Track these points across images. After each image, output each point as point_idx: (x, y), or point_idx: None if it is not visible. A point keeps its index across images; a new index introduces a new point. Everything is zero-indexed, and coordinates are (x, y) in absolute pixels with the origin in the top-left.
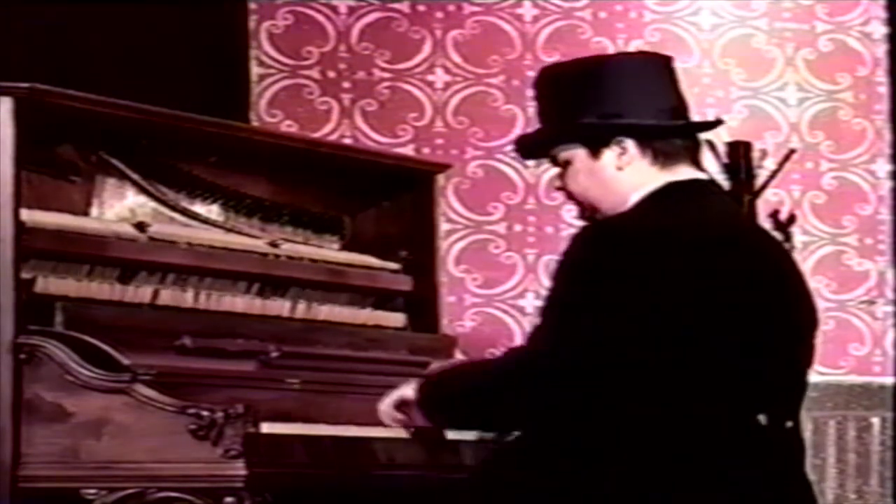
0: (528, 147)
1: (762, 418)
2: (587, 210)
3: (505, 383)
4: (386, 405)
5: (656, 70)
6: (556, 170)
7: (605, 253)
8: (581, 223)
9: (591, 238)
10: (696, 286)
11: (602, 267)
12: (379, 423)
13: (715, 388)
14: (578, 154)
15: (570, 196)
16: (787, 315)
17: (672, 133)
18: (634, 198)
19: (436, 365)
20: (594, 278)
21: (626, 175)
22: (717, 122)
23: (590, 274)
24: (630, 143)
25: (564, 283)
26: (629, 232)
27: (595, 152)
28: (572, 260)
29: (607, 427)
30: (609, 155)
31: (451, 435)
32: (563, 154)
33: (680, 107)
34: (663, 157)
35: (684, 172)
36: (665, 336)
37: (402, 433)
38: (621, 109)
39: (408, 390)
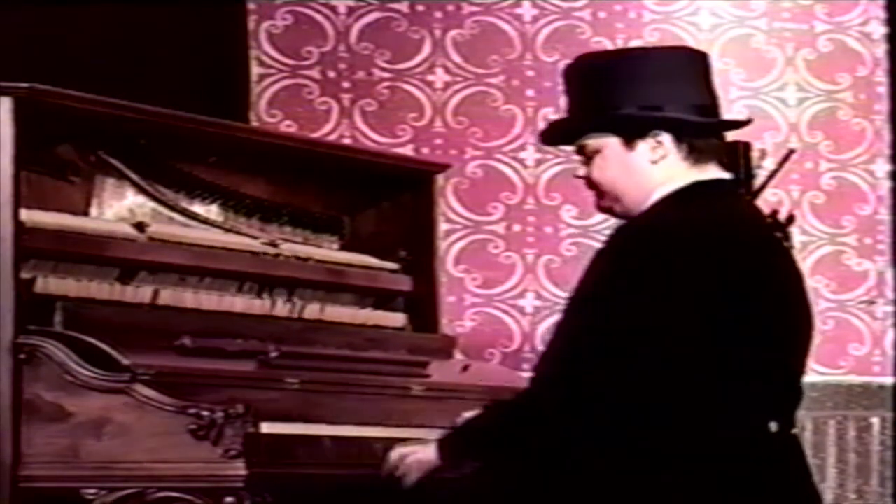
0: (559, 133)
1: (773, 426)
2: (608, 200)
3: (534, 422)
4: (414, 476)
5: (695, 66)
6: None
7: (632, 259)
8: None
9: (623, 242)
10: (716, 291)
11: (624, 271)
12: (379, 423)
13: (732, 395)
14: (611, 143)
15: (592, 185)
16: (797, 323)
17: (707, 131)
18: (659, 193)
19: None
20: (616, 283)
21: (657, 169)
22: (748, 121)
23: (618, 279)
24: (666, 138)
25: (594, 287)
26: (655, 236)
27: (630, 143)
28: (603, 264)
29: (623, 430)
30: (643, 147)
31: None
32: (594, 143)
33: (713, 104)
34: (696, 154)
35: (711, 172)
36: (686, 339)
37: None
38: (661, 103)
39: (429, 453)
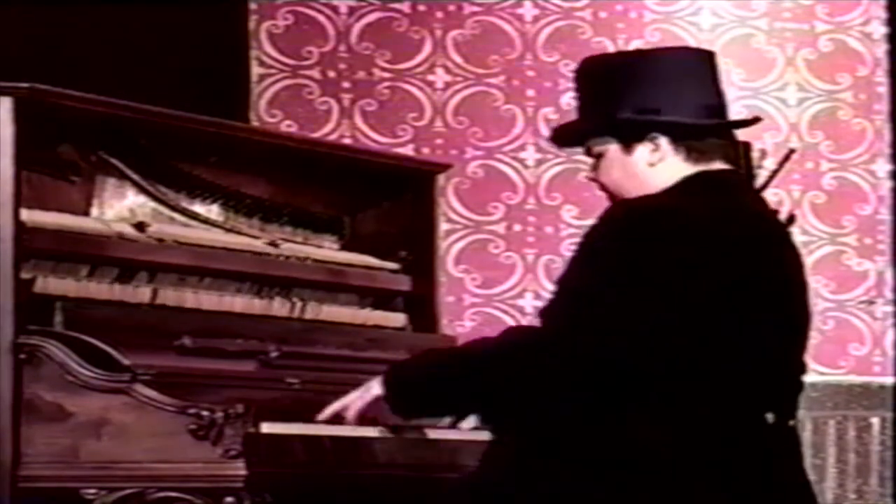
0: (564, 136)
1: (770, 417)
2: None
3: (513, 364)
4: (355, 408)
5: (698, 66)
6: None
7: (627, 239)
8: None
9: (616, 222)
10: (718, 278)
11: (623, 253)
12: (379, 423)
13: (727, 384)
14: (611, 147)
15: (602, 187)
16: (797, 312)
17: (707, 132)
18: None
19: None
20: (614, 264)
21: (658, 171)
22: (755, 120)
23: (611, 257)
24: (663, 141)
25: (584, 265)
26: (656, 215)
27: (627, 147)
28: (596, 240)
29: (615, 419)
30: (641, 150)
31: (433, 434)
32: (597, 146)
33: (718, 104)
34: (697, 154)
35: (717, 166)
36: (682, 327)
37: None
38: (659, 106)
39: (375, 388)
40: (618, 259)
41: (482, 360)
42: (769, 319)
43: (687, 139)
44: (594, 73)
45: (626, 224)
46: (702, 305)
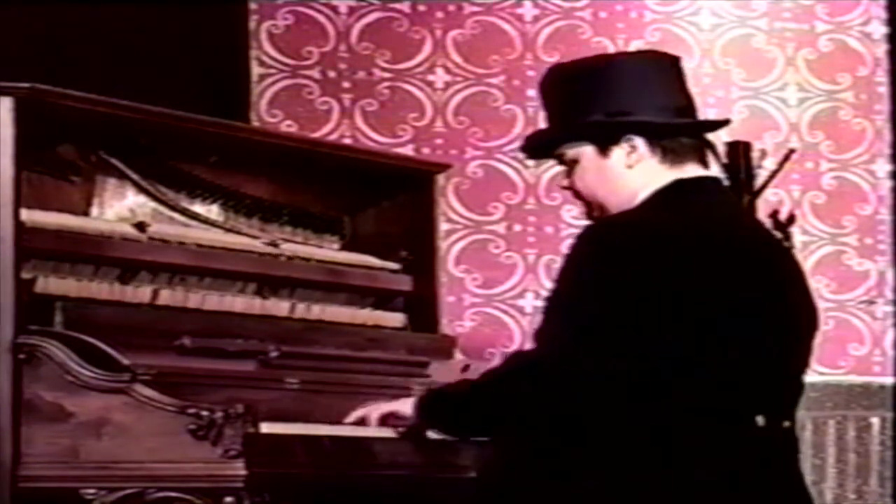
0: (536, 146)
1: (760, 419)
2: (594, 209)
3: (510, 388)
4: (375, 418)
5: (663, 69)
6: (558, 169)
7: (609, 251)
8: (586, 222)
9: (596, 236)
10: (699, 285)
11: (606, 266)
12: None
13: (715, 388)
14: (586, 152)
15: (577, 195)
16: (788, 316)
17: (681, 131)
18: (642, 196)
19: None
20: (598, 278)
21: (635, 173)
22: (725, 122)
23: (594, 273)
24: (640, 142)
25: (569, 283)
26: (633, 230)
27: (604, 150)
28: (577, 258)
29: (608, 427)
30: (618, 153)
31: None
32: (571, 153)
33: (687, 105)
34: (672, 156)
35: (692, 171)
36: (667, 335)
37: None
38: (630, 107)
39: (403, 406)
40: (599, 274)
41: (489, 391)
42: (756, 323)
43: (661, 138)
44: (560, 81)
45: (606, 239)
46: (685, 312)
